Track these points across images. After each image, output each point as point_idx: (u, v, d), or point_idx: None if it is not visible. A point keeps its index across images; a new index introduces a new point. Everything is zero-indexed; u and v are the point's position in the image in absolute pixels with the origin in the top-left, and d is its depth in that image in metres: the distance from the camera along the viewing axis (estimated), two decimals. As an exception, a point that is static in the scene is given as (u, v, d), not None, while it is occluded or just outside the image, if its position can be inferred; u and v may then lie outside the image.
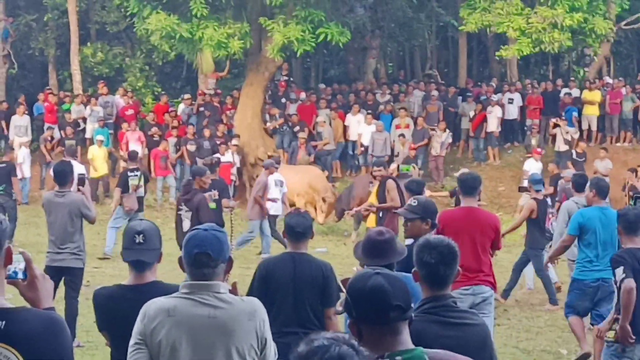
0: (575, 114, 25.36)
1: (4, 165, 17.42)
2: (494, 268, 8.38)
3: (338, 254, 17.31)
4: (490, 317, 8.36)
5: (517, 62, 29.55)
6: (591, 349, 9.31)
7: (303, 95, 27.52)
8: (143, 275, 4.81)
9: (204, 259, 4.03)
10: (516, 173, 23.98)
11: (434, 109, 26.16)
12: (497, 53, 25.86)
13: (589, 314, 9.58)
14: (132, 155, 17.63)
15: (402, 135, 24.42)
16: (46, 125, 25.56)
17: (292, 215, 6.55)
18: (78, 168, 13.07)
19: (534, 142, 24.71)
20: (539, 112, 26.00)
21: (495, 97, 26.27)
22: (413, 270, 4.17)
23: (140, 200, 16.38)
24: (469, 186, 8.39)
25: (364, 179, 19.94)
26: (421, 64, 33.98)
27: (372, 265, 4.95)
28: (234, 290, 4.26)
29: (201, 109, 25.98)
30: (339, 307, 6.01)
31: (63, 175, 9.80)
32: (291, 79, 29.97)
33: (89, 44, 29.91)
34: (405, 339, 3.08)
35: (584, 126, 25.70)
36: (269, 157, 21.22)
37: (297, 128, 25.22)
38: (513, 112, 26.13)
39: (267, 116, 25.99)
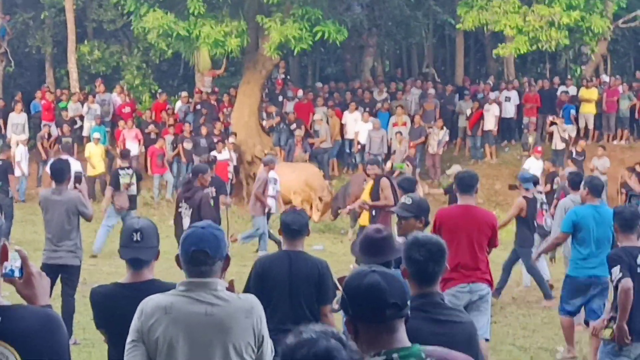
0: (573, 111, 25.38)
1: (0, 163, 17.40)
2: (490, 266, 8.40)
3: (335, 252, 17.31)
4: (487, 315, 8.39)
5: (514, 60, 29.57)
6: (577, 353, 9.40)
7: (300, 93, 27.54)
8: (140, 273, 4.80)
9: (201, 256, 4.04)
10: (513, 171, 23.97)
11: (431, 107, 26.17)
12: (494, 51, 25.86)
13: (583, 309, 9.63)
14: (124, 154, 17.62)
15: (399, 133, 24.43)
16: (43, 123, 25.54)
17: (288, 212, 6.56)
18: (75, 165, 13.07)
19: (530, 140, 24.73)
20: (536, 110, 26.03)
21: (492, 95, 26.28)
22: (402, 267, 4.18)
23: (132, 198, 16.34)
24: (466, 184, 8.41)
25: (360, 177, 19.92)
26: (418, 62, 34.00)
27: (369, 262, 4.96)
28: (231, 288, 4.27)
29: (198, 106, 25.97)
30: (335, 305, 6.02)
31: (60, 173, 9.78)
32: (288, 77, 29.99)
33: (86, 41, 29.90)
34: (402, 337, 3.09)
35: (581, 124, 25.71)
36: (265, 155, 21.21)
37: (294, 126, 25.22)
38: (510, 110, 26.15)
39: (264, 114, 25.99)
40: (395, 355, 3.03)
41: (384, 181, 12.79)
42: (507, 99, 26.16)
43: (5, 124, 25.69)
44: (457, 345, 3.72)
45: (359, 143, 25.22)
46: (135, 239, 4.80)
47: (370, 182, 13.17)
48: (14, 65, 30.23)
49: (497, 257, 12.64)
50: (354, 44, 30.24)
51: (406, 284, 3.88)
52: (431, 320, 4.05)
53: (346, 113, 25.81)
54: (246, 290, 6.15)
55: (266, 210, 16.50)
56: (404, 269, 4.15)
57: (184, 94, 27.34)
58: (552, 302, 12.45)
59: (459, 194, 8.59)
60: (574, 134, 24.89)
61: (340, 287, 4.76)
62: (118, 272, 11.57)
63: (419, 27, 29.69)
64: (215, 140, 23.68)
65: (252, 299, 4.18)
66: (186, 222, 11.65)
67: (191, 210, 11.92)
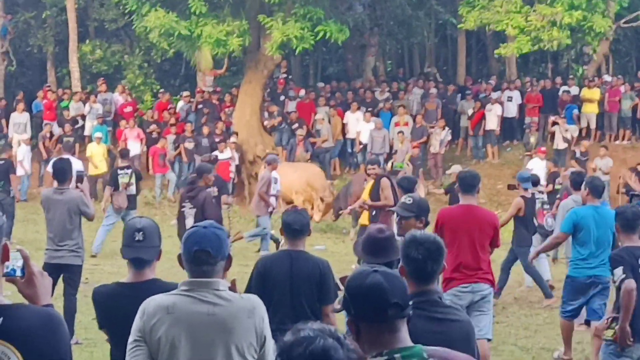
0: (575, 111, 25.38)
1: (2, 162, 17.40)
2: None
3: (336, 252, 17.31)
4: (489, 315, 8.38)
5: (516, 60, 29.55)
6: (579, 354, 9.39)
7: (302, 92, 27.55)
8: (142, 273, 4.80)
9: (204, 256, 4.03)
10: (515, 171, 23.90)
11: (433, 107, 26.18)
12: (496, 51, 25.86)
13: (584, 309, 9.63)
14: (124, 153, 17.61)
15: (401, 132, 24.43)
16: (45, 122, 25.55)
17: (289, 212, 6.56)
18: (76, 165, 13.06)
19: (532, 140, 24.71)
20: (538, 110, 26.02)
21: (494, 95, 26.28)
22: (400, 265, 4.18)
23: (132, 198, 16.28)
24: (468, 184, 8.41)
25: (362, 176, 19.89)
26: (420, 61, 33.99)
27: (372, 262, 4.96)
28: (233, 288, 4.26)
29: (200, 106, 25.98)
30: (337, 305, 6.02)
31: (62, 173, 9.79)
32: (290, 76, 30.00)
33: (87, 41, 29.93)
34: (404, 337, 3.08)
35: (583, 124, 25.70)
36: (267, 154, 21.20)
37: (295, 125, 25.22)
38: (512, 110, 26.14)
39: (266, 114, 25.99)
40: (397, 355, 3.02)
41: (384, 181, 12.78)
42: (509, 98, 26.16)
43: (7, 123, 25.72)
44: (455, 344, 3.73)
45: (360, 143, 25.23)
46: (137, 238, 4.80)
47: (371, 182, 13.17)
48: (16, 65, 30.27)
49: (499, 257, 12.64)
50: (355, 43, 30.22)
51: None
52: (428, 318, 4.05)
53: (348, 113, 25.81)
54: (248, 290, 6.15)
55: (270, 210, 16.48)
56: (401, 267, 4.16)
57: (186, 93, 27.37)
58: (553, 300, 12.48)
59: (460, 194, 8.59)
60: (576, 134, 24.87)
61: (342, 287, 4.76)
62: (120, 272, 11.58)
63: (421, 26, 29.66)
64: (217, 139, 23.69)
65: (255, 299, 4.18)
66: (189, 221, 11.64)
67: (195, 209, 11.91)
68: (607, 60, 31.37)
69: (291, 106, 26.43)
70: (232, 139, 23.58)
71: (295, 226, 6.35)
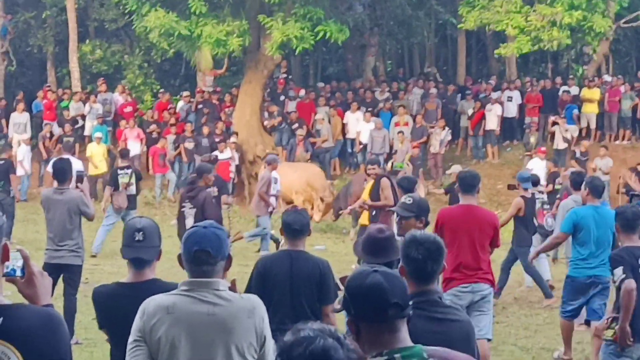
0: (576, 111, 25.38)
1: (2, 162, 17.39)
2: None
3: (337, 252, 17.31)
4: (489, 315, 8.38)
5: (516, 60, 29.55)
6: (579, 354, 9.38)
7: (302, 92, 27.55)
8: (142, 273, 4.80)
9: (204, 256, 4.03)
10: (515, 171, 23.88)
11: (433, 107, 26.19)
12: (496, 51, 25.86)
13: (584, 309, 9.64)
14: (124, 153, 17.60)
15: (401, 132, 24.43)
16: (45, 122, 25.55)
17: (289, 212, 6.56)
18: (76, 165, 13.06)
19: (532, 140, 24.71)
20: (538, 110, 26.01)
21: (494, 95, 26.28)
22: (400, 265, 4.19)
23: (131, 198, 16.26)
24: (468, 184, 8.41)
25: (362, 177, 19.89)
26: (420, 61, 33.99)
27: (372, 262, 4.96)
28: (233, 288, 4.26)
29: (200, 106, 25.98)
30: (337, 305, 6.02)
31: (62, 173, 9.79)
32: (290, 76, 30.00)
33: (87, 41, 29.93)
34: (404, 337, 3.08)
35: (583, 124, 25.70)
36: (268, 154, 21.20)
37: (295, 125, 25.22)
38: (512, 110, 26.14)
39: (266, 114, 25.99)
40: (397, 356, 3.02)
41: (384, 181, 12.78)
42: (509, 98, 26.16)
43: (7, 123, 25.72)
44: (454, 343, 3.74)
45: (360, 143, 25.23)
46: (137, 238, 4.79)
47: (371, 182, 13.17)
48: (16, 65, 30.27)
49: (499, 257, 12.64)
50: (355, 43, 30.23)
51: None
52: (428, 318, 4.05)
53: (348, 113, 25.81)
54: (248, 290, 6.15)
55: (270, 210, 16.47)
56: (401, 267, 4.16)
57: (186, 93, 27.37)
58: (553, 300, 12.49)
59: (460, 194, 8.59)
60: (576, 134, 24.88)
61: (342, 287, 4.76)
62: (120, 272, 11.58)
63: (421, 26, 29.66)
64: (217, 139, 23.69)
65: (255, 299, 4.18)
66: (189, 221, 11.63)
67: (195, 209, 11.91)
68: (607, 60, 31.38)
69: (291, 106, 26.43)
70: (232, 139, 23.58)
71: (295, 226, 6.35)
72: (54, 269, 9.14)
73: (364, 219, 13.29)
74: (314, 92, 27.67)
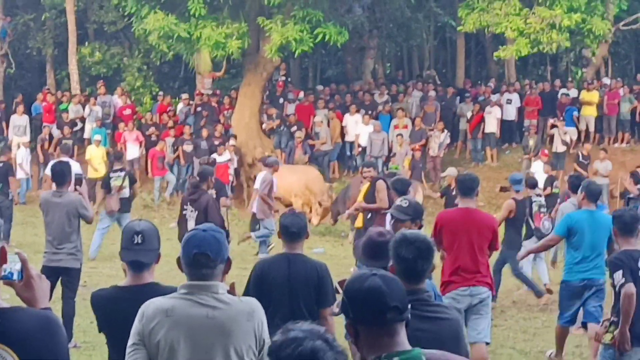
0: (575, 113, 25.38)
1: (1, 165, 17.39)
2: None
3: (335, 255, 17.30)
4: (488, 318, 8.38)
5: (515, 63, 29.57)
6: (577, 358, 9.38)
7: (301, 95, 27.55)
8: (141, 276, 4.78)
9: (203, 259, 4.03)
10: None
11: (432, 110, 26.18)
12: (495, 53, 25.87)
13: (581, 312, 9.63)
14: (117, 156, 17.56)
15: (400, 135, 24.43)
16: (44, 124, 25.55)
17: (286, 215, 6.56)
18: (75, 168, 13.05)
19: (531, 142, 24.69)
20: (537, 112, 26.00)
21: (493, 98, 26.28)
22: (390, 264, 4.19)
23: (124, 201, 16.17)
24: (467, 187, 8.41)
25: (360, 180, 19.91)
26: (419, 64, 34.00)
27: (371, 266, 4.96)
28: (232, 291, 4.26)
29: (199, 109, 25.97)
30: (335, 309, 6.01)
31: (61, 175, 9.77)
32: (289, 79, 29.99)
33: (86, 43, 29.93)
34: (403, 340, 3.08)
35: (582, 127, 25.70)
36: (268, 157, 21.17)
37: (294, 128, 25.22)
38: (511, 113, 26.13)
39: (265, 116, 25.99)
40: (395, 359, 3.02)
41: (380, 183, 12.75)
42: (508, 101, 26.15)
43: (7, 125, 25.71)
44: (445, 342, 3.77)
45: (359, 145, 25.22)
46: (136, 241, 4.78)
47: (366, 185, 13.15)
48: (15, 67, 30.26)
49: (490, 261, 12.61)
50: (354, 46, 30.23)
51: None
52: (419, 317, 4.05)
53: (347, 115, 25.80)
54: (246, 293, 6.15)
55: (273, 211, 16.44)
56: (391, 266, 4.17)
57: (185, 96, 27.35)
58: (546, 297, 12.55)
59: (459, 197, 8.60)
60: (575, 137, 24.87)
61: (340, 291, 4.76)
62: (119, 275, 11.53)
63: (420, 29, 29.70)
64: (215, 142, 23.68)
65: (254, 302, 4.18)
66: (191, 224, 11.61)
67: (196, 212, 11.90)
68: (606, 63, 31.39)
69: (290, 109, 26.42)
70: (231, 141, 23.58)
71: (293, 229, 6.35)
72: (52, 272, 9.13)
73: (359, 221, 13.29)
74: (313, 94, 27.66)
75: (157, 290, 4.53)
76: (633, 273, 6.89)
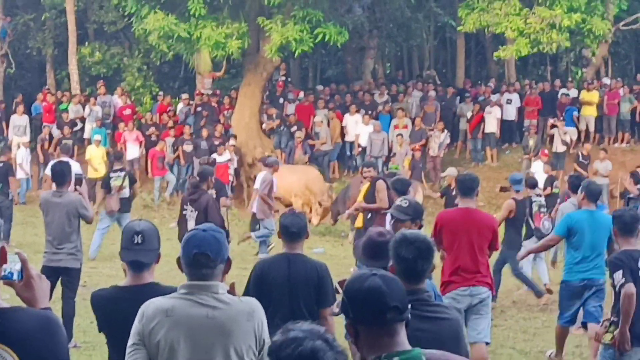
0: (575, 113, 25.37)
1: (1, 165, 17.39)
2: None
3: (335, 255, 17.30)
4: (488, 318, 8.38)
5: (515, 63, 29.56)
6: (577, 358, 9.37)
7: (301, 95, 27.55)
8: (141, 276, 4.78)
9: (203, 259, 4.03)
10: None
11: (432, 110, 26.18)
12: (495, 53, 25.86)
13: (581, 312, 9.63)
14: (117, 156, 17.57)
15: (400, 135, 24.42)
16: (44, 124, 25.55)
17: (286, 215, 6.56)
18: (75, 167, 13.05)
19: (531, 142, 24.68)
20: (537, 112, 26.00)
21: (493, 98, 26.27)
22: (390, 264, 4.19)
23: (124, 201, 16.17)
24: (467, 187, 8.41)
25: (360, 180, 19.90)
26: (419, 64, 34.00)
27: (371, 266, 4.96)
28: (232, 291, 4.26)
29: (199, 109, 25.97)
30: (335, 309, 6.01)
31: (61, 175, 9.77)
32: (289, 79, 29.99)
33: (86, 43, 29.92)
34: (403, 340, 3.08)
35: (582, 127, 25.69)
36: (268, 157, 21.16)
37: (294, 128, 25.22)
38: (511, 113, 26.12)
39: (265, 116, 25.99)
40: (395, 359, 3.02)
41: (380, 183, 12.75)
42: (508, 101, 26.14)
43: (7, 125, 25.71)
44: (445, 342, 3.77)
45: (359, 145, 25.22)
46: (136, 241, 4.78)
47: (366, 185, 13.15)
48: (15, 67, 30.26)
49: (490, 261, 12.61)
50: (354, 46, 30.23)
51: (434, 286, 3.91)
52: (418, 317, 4.05)
53: (347, 115, 25.79)
54: (246, 293, 6.14)
55: (273, 211, 16.44)
56: (391, 266, 4.17)
57: (185, 96, 27.35)
58: (546, 297, 12.53)
59: (459, 197, 8.60)
60: (575, 137, 24.87)
61: (340, 291, 4.76)
62: (119, 275, 11.53)
63: (420, 29, 29.70)
64: (215, 142, 23.68)
65: (254, 302, 4.18)
66: (191, 224, 11.61)
67: (197, 212, 11.90)
68: (606, 63, 31.40)
69: (290, 109, 26.42)
70: (231, 141, 23.57)
71: (293, 229, 6.35)
72: (52, 272, 9.13)
73: (359, 221, 13.28)
74: (313, 94, 27.66)
75: (157, 290, 4.53)
76: (633, 273, 6.89)
